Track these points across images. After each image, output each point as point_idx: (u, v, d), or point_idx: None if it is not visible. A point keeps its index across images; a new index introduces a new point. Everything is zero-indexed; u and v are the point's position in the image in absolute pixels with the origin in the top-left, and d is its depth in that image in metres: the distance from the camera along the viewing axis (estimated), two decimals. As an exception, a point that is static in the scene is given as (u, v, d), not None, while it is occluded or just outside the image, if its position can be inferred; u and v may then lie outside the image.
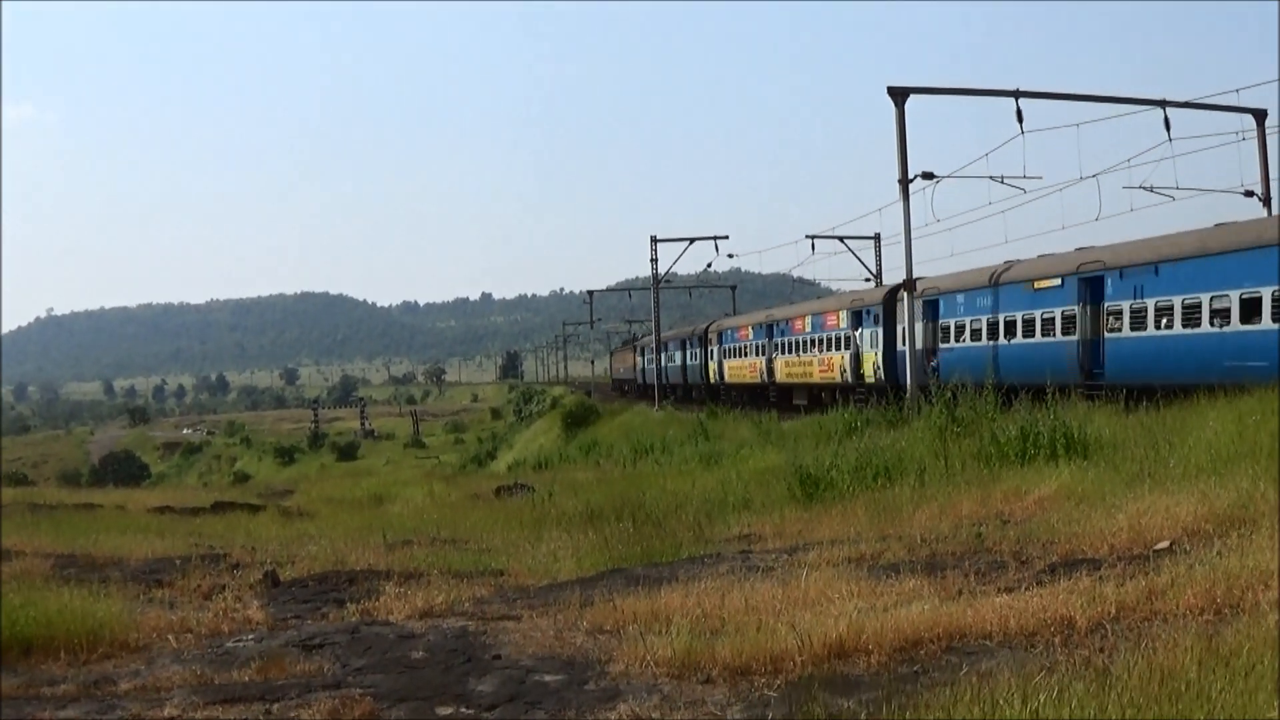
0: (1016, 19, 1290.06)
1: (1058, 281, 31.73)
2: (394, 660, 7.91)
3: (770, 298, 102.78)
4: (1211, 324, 25.78)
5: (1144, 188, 33.49)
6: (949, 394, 21.62)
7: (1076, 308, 30.52)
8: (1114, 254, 29.94)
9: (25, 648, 8.21)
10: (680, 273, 73.80)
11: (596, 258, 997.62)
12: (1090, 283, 30.20)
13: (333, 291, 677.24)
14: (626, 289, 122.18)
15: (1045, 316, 32.21)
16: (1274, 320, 23.75)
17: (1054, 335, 31.67)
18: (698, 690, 6.69)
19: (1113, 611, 7.47)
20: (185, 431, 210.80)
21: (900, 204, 31.91)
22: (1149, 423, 17.67)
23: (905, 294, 34.03)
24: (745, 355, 59.76)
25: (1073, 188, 33.40)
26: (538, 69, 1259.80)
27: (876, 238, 60.27)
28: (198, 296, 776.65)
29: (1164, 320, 27.37)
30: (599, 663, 7.45)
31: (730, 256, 71.65)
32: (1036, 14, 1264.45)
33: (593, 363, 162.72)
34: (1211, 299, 25.85)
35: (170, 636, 8.93)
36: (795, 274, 70.63)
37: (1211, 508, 10.10)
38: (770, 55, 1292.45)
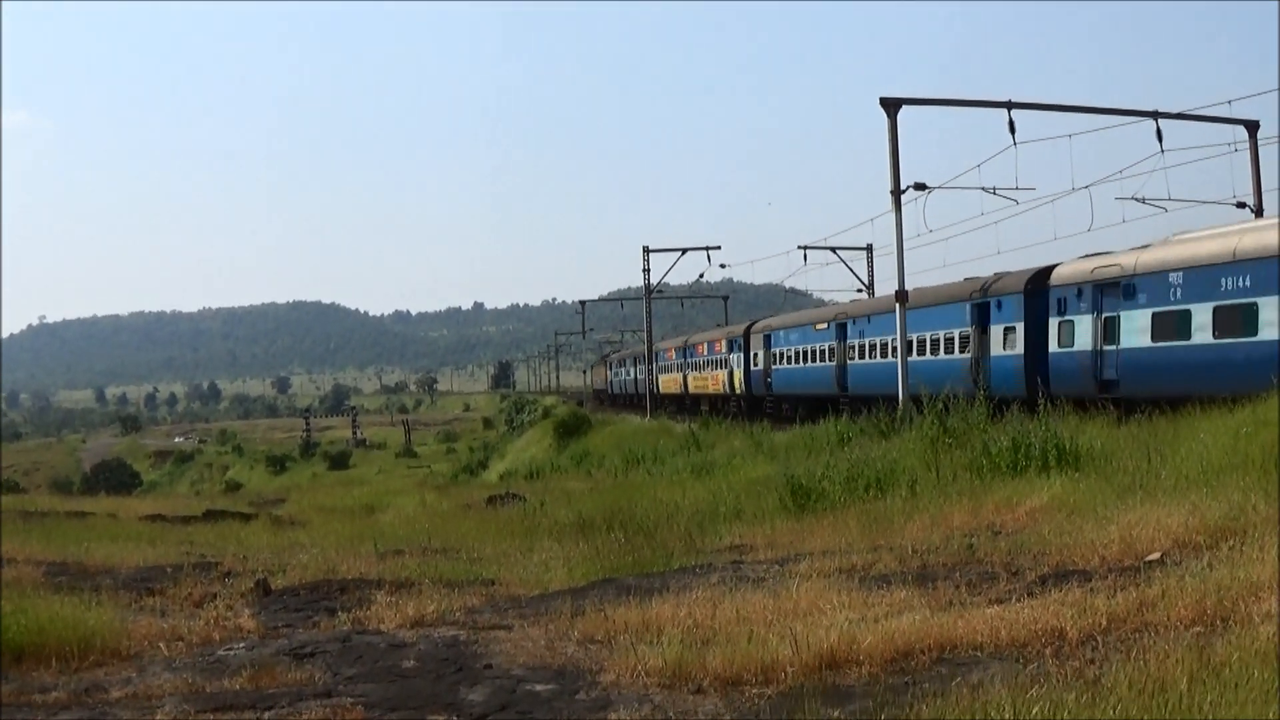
0: (1009, 30, 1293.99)
1: (826, 325, 45.82)
2: (385, 669, 7.91)
3: (762, 308, 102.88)
4: (882, 356, 39.25)
5: (1136, 199, 33.48)
6: (940, 405, 21.72)
7: (835, 343, 44.40)
8: (855, 306, 44.82)
9: (17, 655, 8.20)
10: (673, 282, 73.57)
11: (589, 268, 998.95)
12: (841, 326, 44.23)
13: (325, 300, 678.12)
14: (619, 299, 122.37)
15: (820, 348, 46.16)
16: (891, 357, 36.59)
17: (826, 361, 45.29)
18: (689, 700, 6.70)
19: (1104, 623, 7.48)
20: (177, 440, 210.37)
21: (893, 214, 31.89)
22: (1140, 435, 17.69)
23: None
24: (671, 371, 74.43)
25: (1065, 199, 33.57)
26: (530, 78, 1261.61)
27: (868, 248, 60.32)
28: (190, 305, 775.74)
29: (868, 353, 41.55)
30: (590, 673, 7.46)
31: (722, 267, 71.84)
32: (1029, 25, 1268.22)
33: (584, 373, 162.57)
34: (879, 340, 40.00)
35: (162, 644, 8.93)
36: (787, 284, 71.28)
37: (1202, 519, 10.11)
38: (764, 65, 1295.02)
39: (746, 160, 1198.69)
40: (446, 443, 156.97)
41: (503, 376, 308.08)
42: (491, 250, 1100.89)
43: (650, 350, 72.27)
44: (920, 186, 33.25)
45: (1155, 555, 9.46)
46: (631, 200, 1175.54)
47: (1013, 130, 31.14)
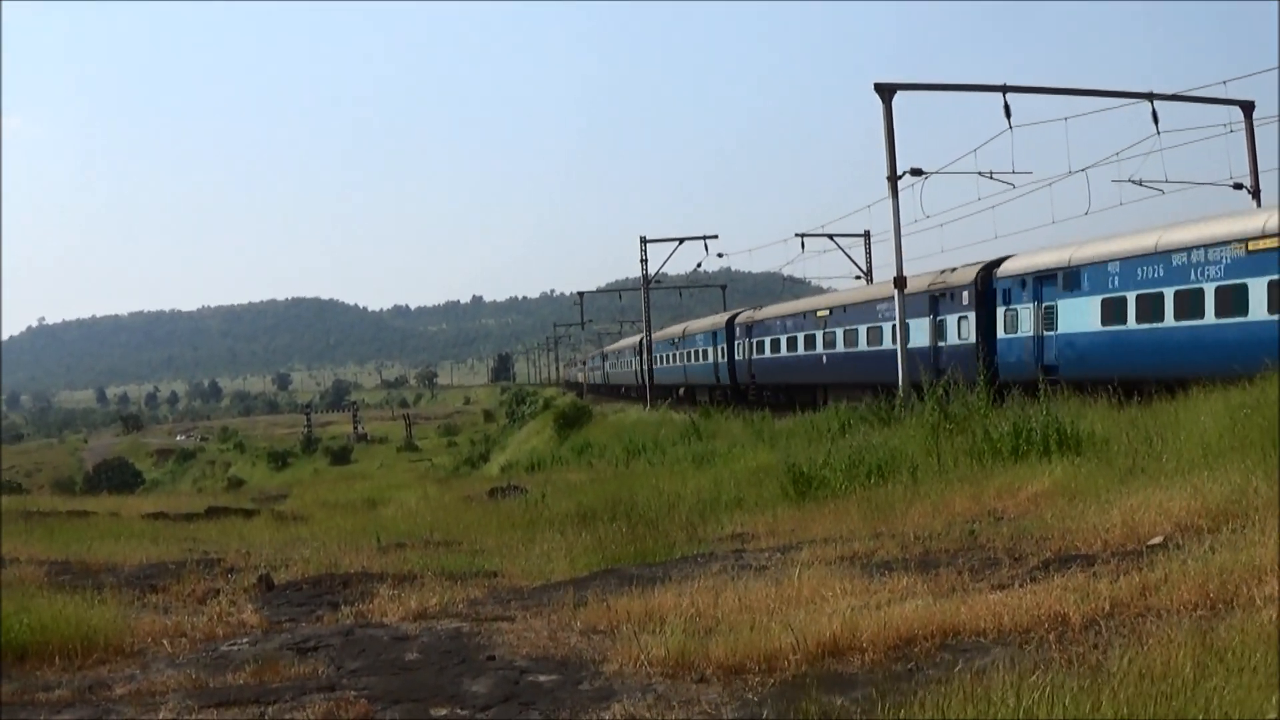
0: (1004, 14, 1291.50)
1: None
2: (388, 662, 7.89)
3: (760, 296, 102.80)
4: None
5: (1133, 181, 33.41)
6: (941, 391, 21.72)
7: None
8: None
9: (20, 654, 8.19)
10: (671, 272, 73.37)
11: (587, 259, 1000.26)
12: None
13: (324, 296, 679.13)
14: (617, 290, 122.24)
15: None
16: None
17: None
18: (692, 689, 6.68)
19: (1106, 608, 7.46)
20: (179, 438, 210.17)
21: (889, 201, 31.84)
22: (1141, 418, 17.66)
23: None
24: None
25: (1062, 182, 33.51)
26: (525, 72, 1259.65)
27: (866, 235, 60.24)
28: (189, 304, 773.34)
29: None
30: (593, 663, 7.45)
31: (720, 256, 72.01)
32: (1024, 9, 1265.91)
33: (584, 364, 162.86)
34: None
35: (165, 641, 8.91)
36: (785, 272, 70.90)
37: (1204, 502, 10.10)
38: (759, 52, 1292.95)
39: (743, 149, 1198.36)
40: (447, 436, 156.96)
41: (502, 369, 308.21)
42: (490, 243, 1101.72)
43: (648, 340, 72.15)
44: (917, 172, 33.18)
45: (1157, 539, 9.44)
46: (629, 191, 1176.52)
47: (1008, 114, 31.08)
